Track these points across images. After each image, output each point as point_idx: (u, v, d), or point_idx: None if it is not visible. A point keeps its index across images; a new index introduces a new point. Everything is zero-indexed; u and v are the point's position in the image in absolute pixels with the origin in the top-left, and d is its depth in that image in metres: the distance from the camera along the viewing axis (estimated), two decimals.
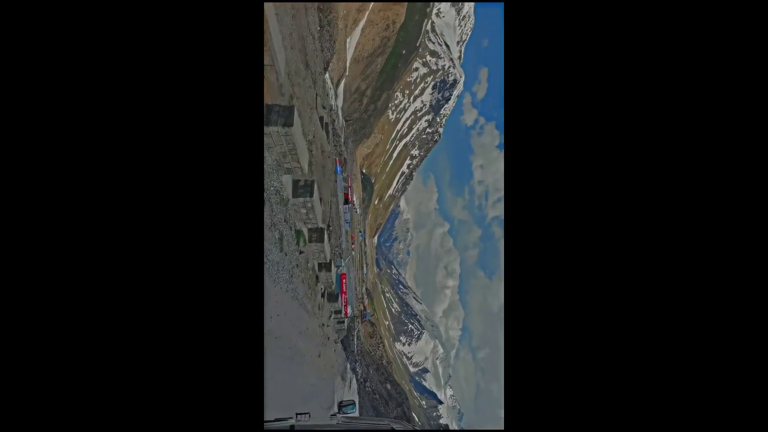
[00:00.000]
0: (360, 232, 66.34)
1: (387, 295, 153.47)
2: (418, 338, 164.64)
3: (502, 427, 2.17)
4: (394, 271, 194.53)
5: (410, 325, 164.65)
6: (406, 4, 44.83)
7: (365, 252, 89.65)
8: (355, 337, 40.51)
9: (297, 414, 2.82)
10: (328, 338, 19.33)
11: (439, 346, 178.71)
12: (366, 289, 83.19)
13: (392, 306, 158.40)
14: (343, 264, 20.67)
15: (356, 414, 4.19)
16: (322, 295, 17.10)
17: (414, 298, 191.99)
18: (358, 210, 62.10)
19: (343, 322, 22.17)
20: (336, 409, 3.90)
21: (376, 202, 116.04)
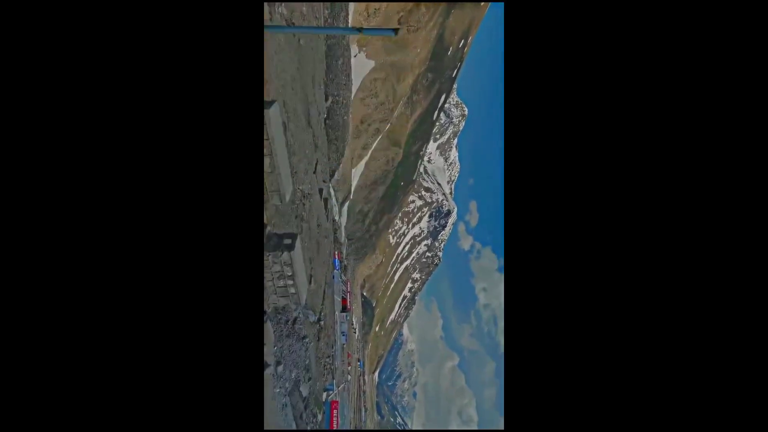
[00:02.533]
0: (359, 360, 58.30)
1: None
2: None
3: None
4: (399, 419, 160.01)
5: None
6: (403, 147, 54.63)
7: (364, 390, 76.05)
8: None
9: None
10: None
11: None
12: None
13: None
14: (335, 388, 16.43)
15: None
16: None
17: None
18: (356, 331, 56.45)
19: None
20: None
21: (377, 329, 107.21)
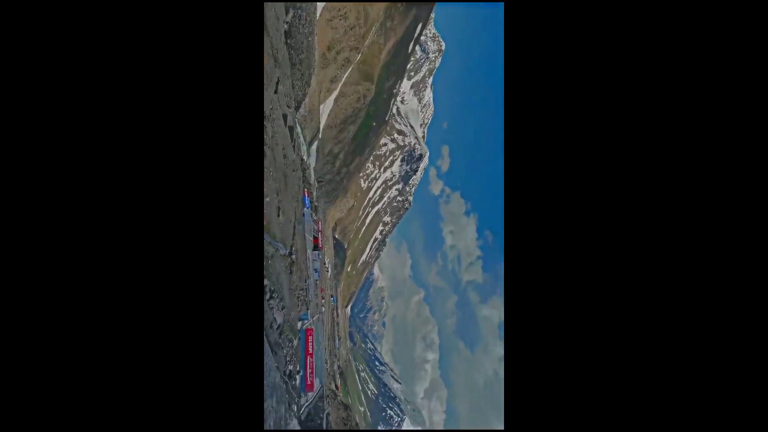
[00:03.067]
0: (332, 296, 61.92)
1: (362, 374, 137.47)
2: (399, 426, 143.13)
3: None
4: (369, 345, 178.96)
5: (389, 411, 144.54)
6: (375, 82, 50.86)
7: (338, 322, 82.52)
8: (324, 422, 33.40)
9: None
10: None
11: None
12: (338, 366, 73.83)
13: (368, 387, 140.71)
14: (309, 318, 17.49)
15: None
16: None
17: (392, 376, 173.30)
18: (329, 270, 58.83)
19: None
20: None
21: (348, 269, 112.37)
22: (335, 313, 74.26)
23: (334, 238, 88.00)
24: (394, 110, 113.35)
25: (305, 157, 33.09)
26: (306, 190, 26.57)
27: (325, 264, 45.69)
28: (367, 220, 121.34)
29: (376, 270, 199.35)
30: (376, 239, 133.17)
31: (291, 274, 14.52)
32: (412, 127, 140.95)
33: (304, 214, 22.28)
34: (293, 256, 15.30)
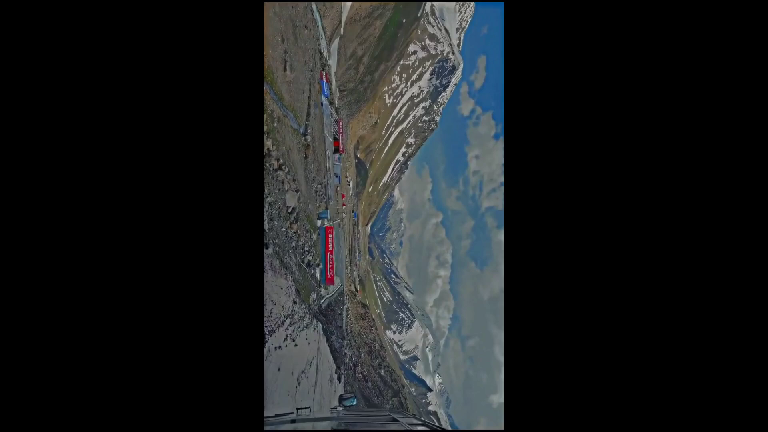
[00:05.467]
0: (353, 211, 64.17)
1: (379, 284, 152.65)
2: (409, 327, 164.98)
3: (500, 424, 2.30)
4: (387, 260, 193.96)
5: (401, 314, 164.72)
6: None
7: (358, 238, 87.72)
8: (344, 314, 38.26)
9: (297, 409, 3.08)
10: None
11: (430, 335, 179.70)
12: (358, 275, 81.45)
13: (384, 295, 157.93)
14: (328, 215, 17.97)
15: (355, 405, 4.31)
16: None
17: (406, 287, 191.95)
18: (350, 184, 59.55)
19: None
20: (336, 402, 3.95)
21: (369, 189, 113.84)
22: (356, 229, 78.21)
23: (356, 157, 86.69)
24: (427, 8, 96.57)
25: (324, 52, 29.58)
26: (324, 73, 23.91)
27: (346, 177, 45.75)
28: (390, 140, 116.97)
29: (396, 192, 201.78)
30: (398, 161, 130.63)
31: (306, 159, 13.99)
32: (446, 31, 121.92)
33: (322, 104, 20.81)
34: (308, 138, 14.51)
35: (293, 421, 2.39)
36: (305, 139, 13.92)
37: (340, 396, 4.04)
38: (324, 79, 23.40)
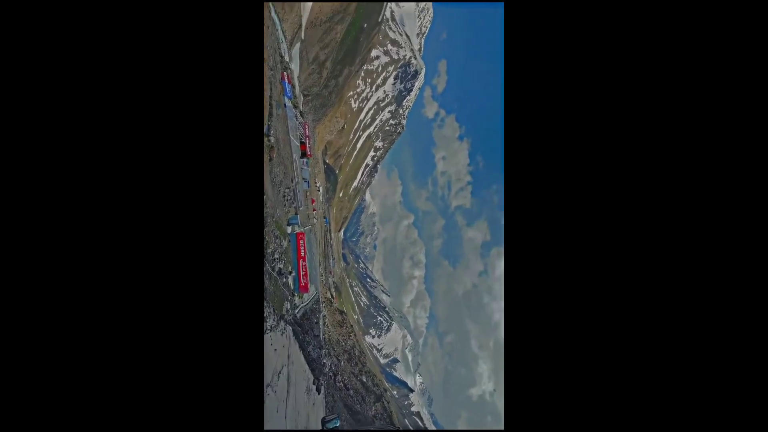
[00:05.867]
0: (324, 218, 63.14)
1: (355, 289, 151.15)
2: (388, 330, 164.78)
3: (499, 422, 2.60)
4: (362, 265, 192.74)
5: (379, 318, 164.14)
6: None
7: (331, 244, 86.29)
8: (321, 322, 37.28)
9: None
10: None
11: (408, 336, 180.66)
12: (333, 282, 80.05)
13: (361, 300, 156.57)
14: (299, 220, 17.49)
15: (339, 425, 4.59)
16: None
17: (382, 290, 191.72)
18: (320, 190, 58.60)
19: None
20: (319, 425, 4.22)
21: (340, 195, 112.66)
22: (329, 236, 76.91)
23: (324, 162, 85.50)
24: (388, 14, 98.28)
25: (285, 55, 28.98)
26: (286, 74, 23.46)
27: (316, 183, 44.94)
28: (358, 145, 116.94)
29: (367, 196, 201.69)
30: (367, 165, 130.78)
31: (271, 161, 13.50)
32: (407, 36, 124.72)
33: (285, 105, 20.33)
34: (271, 140, 14.02)
35: None
36: (269, 140, 13.49)
37: (323, 419, 4.11)
38: (286, 80, 22.93)
